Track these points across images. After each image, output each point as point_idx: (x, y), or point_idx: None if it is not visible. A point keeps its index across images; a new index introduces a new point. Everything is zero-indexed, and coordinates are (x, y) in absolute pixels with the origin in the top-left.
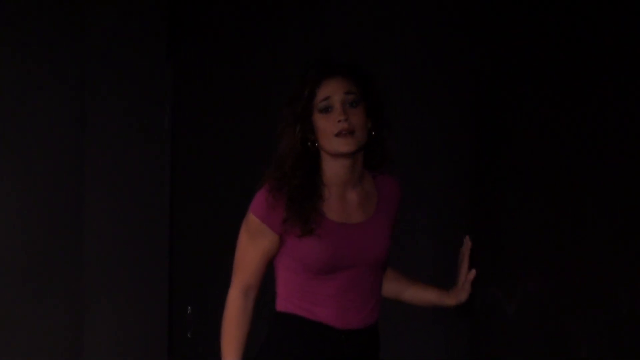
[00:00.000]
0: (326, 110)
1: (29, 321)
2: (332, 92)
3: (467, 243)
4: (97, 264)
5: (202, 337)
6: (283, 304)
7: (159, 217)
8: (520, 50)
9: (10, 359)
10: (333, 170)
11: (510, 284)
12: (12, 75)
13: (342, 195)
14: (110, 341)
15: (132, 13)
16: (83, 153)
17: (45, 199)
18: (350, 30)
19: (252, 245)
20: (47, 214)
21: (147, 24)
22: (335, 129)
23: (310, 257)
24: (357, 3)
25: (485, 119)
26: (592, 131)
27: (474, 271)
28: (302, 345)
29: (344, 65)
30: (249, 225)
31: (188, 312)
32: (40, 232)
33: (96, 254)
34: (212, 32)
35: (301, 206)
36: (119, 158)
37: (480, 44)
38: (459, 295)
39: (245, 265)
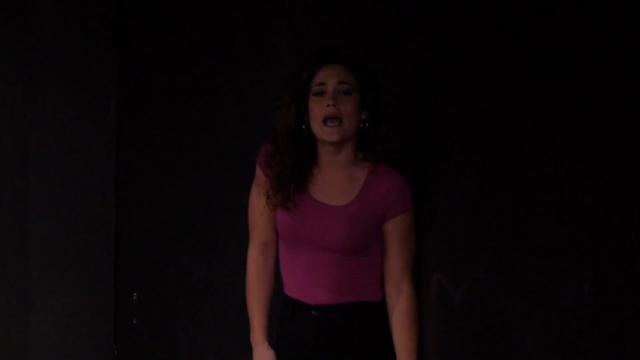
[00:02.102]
0: (319, 94)
1: None
2: (327, 77)
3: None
4: (42, 251)
5: (148, 323)
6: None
7: (104, 204)
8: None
9: None
10: (321, 152)
11: (456, 271)
12: None
13: (327, 175)
14: (55, 327)
15: None
16: (27, 142)
17: None
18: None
19: (258, 196)
20: None
21: (92, 10)
22: (323, 113)
23: (280, 225)
24: None
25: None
26: (535, 117)
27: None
28: (280, 318)
29: (345, 55)
30: (255, 176)
31: (134, 298)
32: None
33: (41, 240)
34: (160, 17)
35: (285, 184)
36: (63, 146)
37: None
38: None
39: (255, 219)
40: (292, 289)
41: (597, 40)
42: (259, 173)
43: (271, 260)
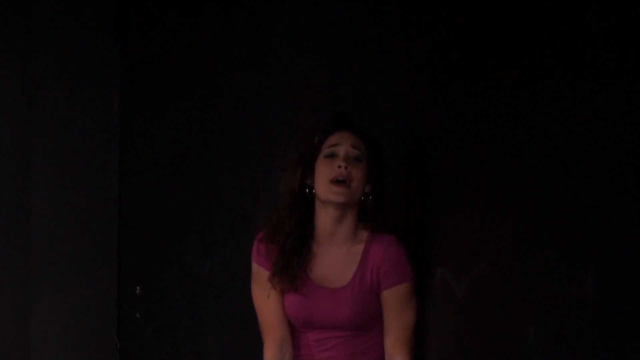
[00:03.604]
0: (331, 155)
1: None
2: (341, 140)
3: None
4: (45, 245)
5: (150, 317)
6: None
7: (107, 199)
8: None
9: None
10: (321, 219)
11: (459, 266)
12: None
13: (326, 254)
14: (58, 321)
15: None
16: (30, 137)
17: None
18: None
19: (263, 293)
20: None
21: (94, 6)
22: (333, 173)
23: (288, 311)
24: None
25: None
26: (538, 111)
27: None
28: None
29: (357, 126)
30: (253, 275)
31: (137, 292)
32: None
33: (44, 235)
34: (162, 12)
35: (289, 263)
36: (67, 141)
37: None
38: None
39: (267, 317)
40: (296, 355)
41: (598, 41)
42: (257, 268)
43: (289, 356)
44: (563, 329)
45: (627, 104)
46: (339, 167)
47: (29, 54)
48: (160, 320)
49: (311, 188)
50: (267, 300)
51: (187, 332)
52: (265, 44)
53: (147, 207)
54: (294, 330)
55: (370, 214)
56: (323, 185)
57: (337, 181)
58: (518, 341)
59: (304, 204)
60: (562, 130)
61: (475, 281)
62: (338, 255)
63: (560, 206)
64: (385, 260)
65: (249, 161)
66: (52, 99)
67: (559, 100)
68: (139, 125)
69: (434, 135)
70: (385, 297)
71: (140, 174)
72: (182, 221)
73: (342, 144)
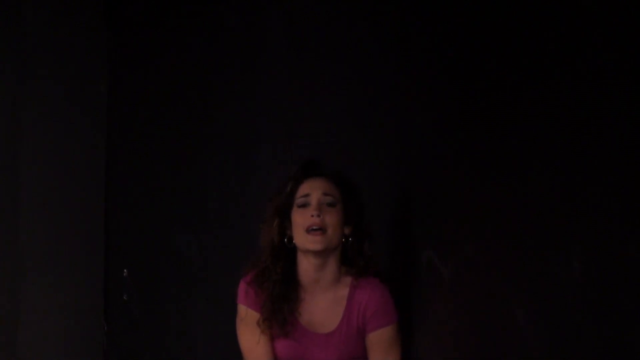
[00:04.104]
0: (304, 205)
1: None
2: (311, 189)
3: None
4: (32, 228)
5: (138, 300)
6: None
7: (94, 181)
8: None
9: None
10: (304, 267)
11: (446, 247)
12: None
13: (312, 300)
14: (45, 304)
15: None
16: (18, 120)
17: None
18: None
19: (252, 336)
20: None
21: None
22: (307, 223)
23: (279, 354)
24: None
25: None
26: (526, 95)
27: None
28: None
29: (329, 170)
30: (240, 317)
31: (124, 274)
32: None
33: (31, 218)
34: (153, 5)
35: (279, 308)
36: (54, 124)
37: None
38: None
39: (254, 358)
40: None
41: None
42: (244, 309)
43: None
44: (551, 310)
45: (619, 96)
46: (312, 216)
47: (17, 39)
48: (147, 302)
49: (290, 238)
50: (256, 344)
51: (175, 314)
52: (259, 30)
53: (134, 189)
54: None
55: (351, 256)
56: (300, 235)
57: (312, 230)
58: (506, 323)
59: (286, 253)
60: (545, 109)
61: (463, 263)
62: (324, 300)
63: (547, 188)
64: (370, 303)
65: (237, 142)
66: (39, 84)
67: (548, 93)
68: (126, 107)
69: (423, 116)
70: (370, 340)
71: (127, 156)
72: (169, 203)
73: (313, 193)
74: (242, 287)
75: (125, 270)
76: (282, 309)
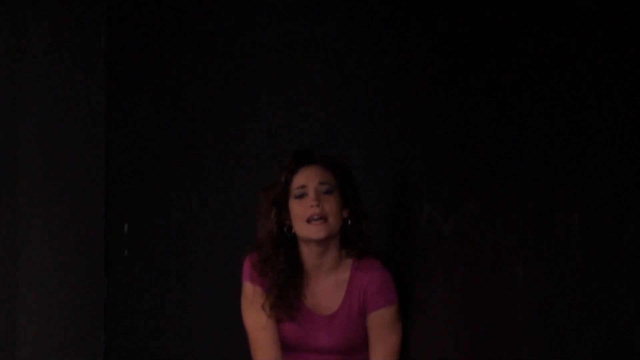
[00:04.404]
0: (301, 196)
1: None
2: (307, 180)
3: None
4: (32, 182)
5: (138, 255)
6: None
7: (94, 135)
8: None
9: None
10: (306, 254)
11: (445, 203)
12: None
13: (315, 283)
14: (45, 260)
15: None
16: (17, 74)
17: None
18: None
19: (257, 312)
20: None
21: None
22: (307, 213)
23: (282, 334)
24: None
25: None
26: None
27: None
28: None
29: (321, 156)
30: (245, 294)
31: (125, 230)
32: None
33: (31, 172)
34: None
35: (285, 294)
36: (54, 75)
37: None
38: None
39: (258, 337)
40: None
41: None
42: (250, 288)
43: None
44: (550, 265)
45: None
46: (312, 206)
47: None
48: (148, 258)
49: (290, 227)
50: (262, 327)
51: (175, 269)
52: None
53: (134, 144)
54: (285, 353)
55: (351, 238)
56: (300, 226)
57: (313, 220)
58: (506, 277)
59: (287, 242)
60: (549, 61)
61: (462, 218)
62: (326, 283)
63: (547, 142)
64: (371, 284)
65: (237, 96)
66: (39, 46)
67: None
68: (126, 61)
69: (423, 68)
70: (371, 320)
71: (127, 110)
72: (170, 158)
73: (309, 183)
74: (247, 265)
75: (125, 226)
76: (288, 294)
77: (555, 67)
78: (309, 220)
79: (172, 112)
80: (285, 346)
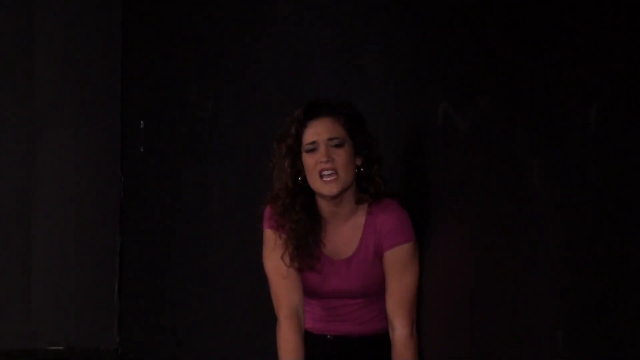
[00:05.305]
0: (312, 150)
1: None
2: (317, 135)
3: None
4: (49, 80)
5: (154, 151)
6: None
7: (111, 32)
8: None
9: None
10: (322, 204)
11: (462, 99)
12: None
13: (333, 229)
14: (62, 156)
15: None
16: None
17: None
18: None
19: (278, 260)
20: None
21: None
22: (318, 168)
23: (303, 282)
24: None
25: None
26: None
27: None
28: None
29: (331, 106)
30: (266, 241)
31: (141, 126)
32: None
33: (46, 69)
34: None
35: (305, 244)
36: None
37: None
38: None
39: (280, 285)
40: (309, 323)
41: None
42: (271, 235)
43: (302, 328)
44: (566, 163)
45: None
46: (321, 162)
47: None
48: (163, 154)
49: (305, 177)
50: (280, 265)
51: (190, 167)
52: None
53: (151, 41)
54: (306, 302)
55: (365, 184)
56: (314, 179)
57: (324, 174)
58: (522, 174)
59: (302, 192)
60: None
61: (478, 115)
62: (344, 229)
63: (564, 37)
64: (385, 223)
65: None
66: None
67: None
68: None
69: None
70: (386, 258)
71: (145, 7)
72: (186, 55)
73: (319, 138)
74: (267, 213)
75: (142, 122)
76: (307, 244)
77: None
78: (320, 175)
79: (190, 8)
80: (306, 292)
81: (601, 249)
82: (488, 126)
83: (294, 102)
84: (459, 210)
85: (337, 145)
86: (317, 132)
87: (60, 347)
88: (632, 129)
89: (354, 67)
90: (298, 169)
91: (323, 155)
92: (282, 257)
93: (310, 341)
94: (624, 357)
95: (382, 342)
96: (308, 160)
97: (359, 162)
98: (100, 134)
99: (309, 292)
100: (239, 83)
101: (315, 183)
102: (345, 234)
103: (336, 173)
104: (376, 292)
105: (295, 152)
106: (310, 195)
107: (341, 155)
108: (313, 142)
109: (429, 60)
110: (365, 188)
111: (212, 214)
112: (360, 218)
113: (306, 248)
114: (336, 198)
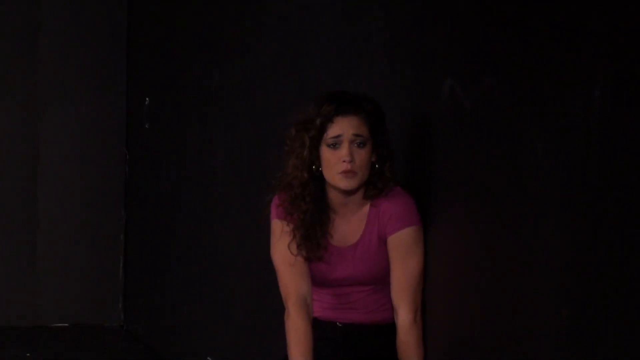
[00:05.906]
0: (334, 146)
1: None
2: (342, 131)
3: None
4: (54, 56)
5: (158, 128)
6: None
7: (117, 9)
8: None
9: None
10: (333, 195)
11: (467, 77)
12: None
13: (340, 219)
14: (67, 132)
15: None
16: None
17: None
18: None
19: (285, 249)
20: None
21: None
22: (339, 166)
23: (311, 271)
24: None
25: None
26: None
27: None
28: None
29: (357, 103)
30: (274, 231)
31: (146, 103)
32: None
33: (50, 44)
34: None
35: (313, 234)
36: None
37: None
38: None
39: (288, 274)
40: (318, 311)
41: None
42: (279, 225)
43: (311, 316)
44: (570, 142)
45: None
46: (344, 161)
47: None
48: (168, 131)
49: (318, 167)
50: (288, 254)
51: (195, 142)
52: None
53: (155, 18)
54: (314, 290)
55: (375, 179)
56: (331, 174)
57: (344, 172)
58: (525, 152)
59: (314, 180)
60: None
61: (484, 92)
62: (351, 217)
63: (570, 17)
64: (388, 208)
65: None
66: None
67: None
68: None
69: None
70: (390, 243)
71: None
72: (191, 33)
73: (344, 135)
74: (274, 204)
75: (147, 99)
76: (315, 234)
77: None
78: (340, 173)
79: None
80: (314, 281)
81: (605, 225)
82: (493, 104)
83: (298, 78)
84: (462, 190)
85: (360, 144)
86: (343, 127)
87: (66, 324)
88: (636, 108)
89: (357, 42)
90: (313, 159)
91: (346, 154)
92: (288, 246)
93: (320, 328)
94: (624, 352)
95: (391, 330)
96: (328, 154)
97: (373, 158)
98: (105, 110)
99: (317, 282)
100: (242, 60)
101: (333, 177)
102: (351, 222)
103: (356, 174)
104: (383, 278)
105: (315, 143)
106: (320, 183)
107: (362, 155)
108: (337, 137)
109: (434, 37)
110: (375, 183)
111: (217, 190)
112: (365, 207)
113: (314, 239)
114: (350, 192)
